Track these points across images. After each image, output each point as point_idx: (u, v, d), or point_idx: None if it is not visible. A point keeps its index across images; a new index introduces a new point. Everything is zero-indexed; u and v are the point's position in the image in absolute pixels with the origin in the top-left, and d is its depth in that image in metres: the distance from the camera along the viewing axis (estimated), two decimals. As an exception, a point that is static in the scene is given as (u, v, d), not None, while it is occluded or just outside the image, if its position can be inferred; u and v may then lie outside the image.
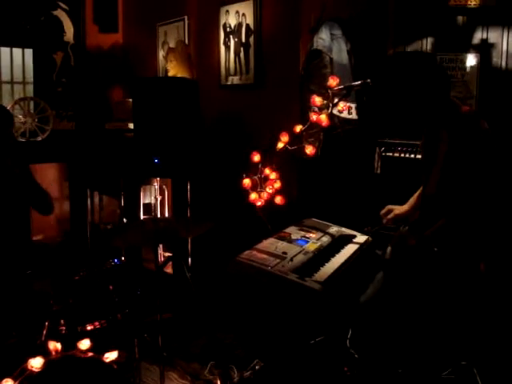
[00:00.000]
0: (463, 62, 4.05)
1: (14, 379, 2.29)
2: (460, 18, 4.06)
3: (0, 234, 3.58)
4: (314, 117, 3.65)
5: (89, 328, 3.14)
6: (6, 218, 3.63)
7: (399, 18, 4.22)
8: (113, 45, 6.61)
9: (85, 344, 2.54)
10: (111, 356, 2.59)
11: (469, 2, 3.95)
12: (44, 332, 2.83)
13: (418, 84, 2.74)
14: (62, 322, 3.01)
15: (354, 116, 4.19)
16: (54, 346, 2.43)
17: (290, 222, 3.81)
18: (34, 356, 2.35)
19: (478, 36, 4.01)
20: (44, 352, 2.41)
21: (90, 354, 2.54)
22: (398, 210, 3.38)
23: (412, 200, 3.36)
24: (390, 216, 3.38)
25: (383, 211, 3.43)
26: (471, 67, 4.03)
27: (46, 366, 2.35)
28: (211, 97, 5.14)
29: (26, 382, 2.30)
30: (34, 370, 2.32)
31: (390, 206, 3.42)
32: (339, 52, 4.19)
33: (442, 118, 2.81)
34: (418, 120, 2.90)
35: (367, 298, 3.07)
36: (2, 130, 3.62)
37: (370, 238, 3.71)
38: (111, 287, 3.39)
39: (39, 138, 5.74)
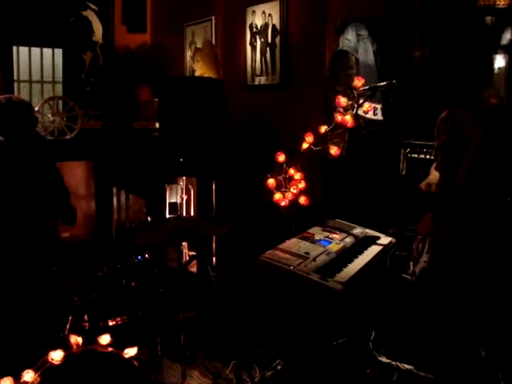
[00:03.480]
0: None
1: (35, 370, 2.33)
2: (488, 19, 4.01)
3: (29, 231, 3.64)
4: (339, 117, 3.64)
5: (111, 323, 3.17)
6: (35, 216, 3.69)
7: (426, 19, 4.18)
8: (141, 45, 6.67)
9: (105, 339, 2.57)
10: (131, 352, 2.61)
11: (497, 2, 3.89)
12: (67, 326, 2.86)
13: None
14: (85, 317, 3.04)
15: (379, 117, 4.16)
16: (76, 339, 2.46)
17: (313, 222, 3.80)
18: (55, 349, 2.38)
19: (507, 37, 3.95)
20: (65, 345, 2.44)
21: (110, 349, 2.56)
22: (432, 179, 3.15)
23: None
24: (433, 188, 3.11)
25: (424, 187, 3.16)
26: (499, 68, 3.97)
27: (66, 359, 2.38)
28: (237, 97, 5.15)
29: (47, 373, 2.33)
30: (54, 362, 2.35)
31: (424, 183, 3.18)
32: (365, 53, 4.16)
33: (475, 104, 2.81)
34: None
35: None
36: (27, 127, 3.67)
37: (394, 240, 3.69)
38: (133, 284, 3.41)
39: (68, 137, 5.81)
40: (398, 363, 3.71)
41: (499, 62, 3.96)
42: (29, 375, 2.31)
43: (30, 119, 3.71)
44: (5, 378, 2.29)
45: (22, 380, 2.30)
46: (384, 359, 3.78)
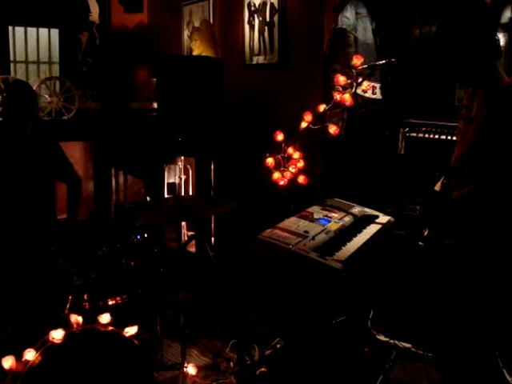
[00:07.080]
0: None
1: (36, 349, 2.34)
2: (489, -4, 3.98)
3: (27, 212, 3.64)
4: (337, 96, 3.62)
5: (110, 303, 3.18)
6: (33, 197, 3.68)
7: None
8: (138, 25, 6.62)
9: (105, 318, 2.58)
10: (131, 331, 2.63)
11: (498, -20, 3.87)
12: (67, 306, 2.87)
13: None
14: (85, 296, 3.05)
15: (378, 96, 4.15)
16: (76, 319, 2.47)
17: (312, 201, 3.80)
18: (56, 328, 2.39)
19: (507, 15, 3.92)
20: (66, 325, 2.45)
21: (110, 328, 2.57)
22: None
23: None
24: None
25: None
26: (499, 47, 3.95)
27: (66, 337, 2.39)
28: (235, 76, 5.12)
29: (47, 352, 2.35)
30: (55, 341, 2.37)
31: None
32: (364, 31, 4.14)
33: (485, 82, 2.71)
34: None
35: None
36: (22, 104, 3.65)
37: (393, 219, 3.69)
38: (133, 263, 3.42)
39: (65, 118, 5.79)
40: (396, 341, 3.74)
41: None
42: (30, 354, 2.33)
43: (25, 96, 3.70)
44: (7, 357, 2.31)
45: (23, 359, 2.32)
46: (382, 337, 3.81)
